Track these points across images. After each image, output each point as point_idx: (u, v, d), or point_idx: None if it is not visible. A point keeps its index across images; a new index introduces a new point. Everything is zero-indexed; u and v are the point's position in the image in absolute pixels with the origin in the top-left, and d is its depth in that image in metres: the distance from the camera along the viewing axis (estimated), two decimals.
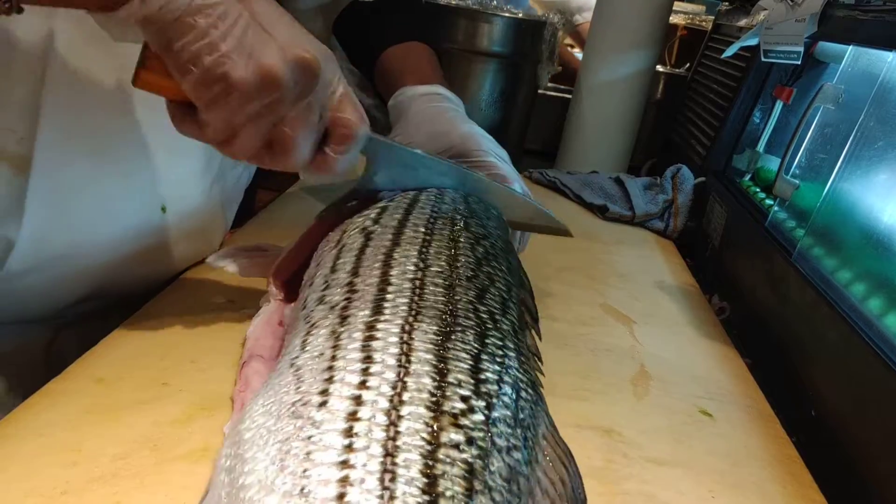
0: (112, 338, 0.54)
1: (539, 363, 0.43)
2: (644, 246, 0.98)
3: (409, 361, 0.35)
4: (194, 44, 0.42)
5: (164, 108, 0.61)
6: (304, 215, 0.83)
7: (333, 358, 0.36)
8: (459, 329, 0.39)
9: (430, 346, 0.37)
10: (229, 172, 0.69)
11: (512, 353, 0.40)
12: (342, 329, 0.39)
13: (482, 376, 0.36)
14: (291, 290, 0.55)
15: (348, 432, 0.31)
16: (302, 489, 0.29)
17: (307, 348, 0.39)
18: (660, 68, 1.43)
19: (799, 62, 0.85)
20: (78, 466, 0.39)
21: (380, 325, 0.38)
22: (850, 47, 0.78)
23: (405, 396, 0.33)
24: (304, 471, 0.29)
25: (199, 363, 0.51)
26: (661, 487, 0.46)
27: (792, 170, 0.81)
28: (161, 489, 0.39)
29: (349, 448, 0.30)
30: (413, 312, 0.39)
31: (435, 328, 0.38)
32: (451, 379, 0.35)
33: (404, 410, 0.32)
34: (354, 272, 0.45)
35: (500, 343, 0.40)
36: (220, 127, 0.45)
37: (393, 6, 0.83)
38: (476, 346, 0.38)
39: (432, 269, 0.44)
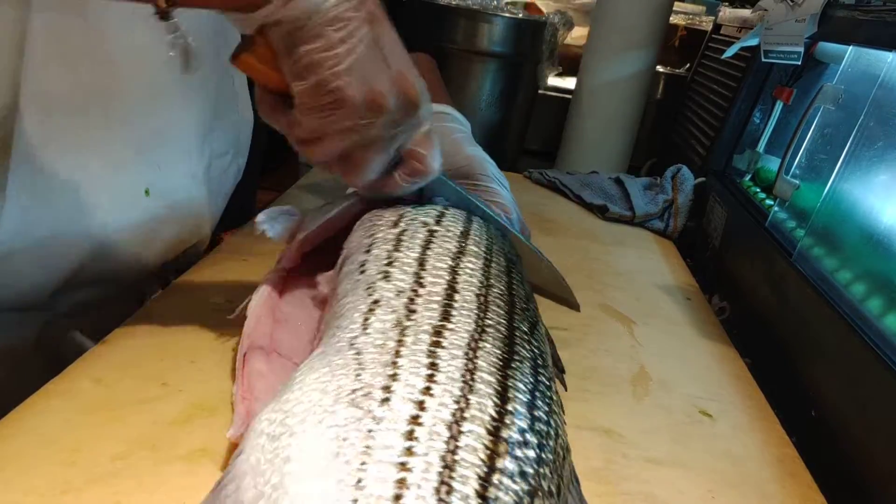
0: (111, 338, 0.54)
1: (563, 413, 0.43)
2: (644, 246, 0.98)
3: (473, 379, 0.35)
4: (319, 53, 0.44)
5: (149, 92, 0.60)
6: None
7: (398, 354, 0.36)
8: (518, 359, 0.39)
9: (494, 369, 0.37)
10: (216, 162, 0.69)
11: (555, 397, 0.40)
12: (408, 323, 0.39)
13: (536, 413, 0.36)
14: (305, 264, 0.55)
15: (409, 435, 0.31)
16: (358, 481, 0.29)
17: (369, 331, 0.39)
18: (660, 68, 1.43)
19: (799, 62, 0.85)
20: (77, 466, 0.39)
21: (446, 334, 0.39)
22: (850, 48, 0.78)
23: (467, 413, 0.33)
24: (362, 463, 0.29)
25: (199, 363, 0.51)
26: (660, 487, 0.46)
27: (792, 170, 0.81)
28: (160, 489, 0.39)
29: (409, 451, 0.30)
30: (479, 330, 0.40)
31: (498, 352, 0.39)
32: (510, 408, 0.35)
33: (465, 427, 0.32)
34: (421, 263, 0.45)
35: (548, 384, 0.40)
36: (310, 130, 0.46)
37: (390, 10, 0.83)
38: (531, 381, 0.38)
39: (494, 290, 0.45)
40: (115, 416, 0.44)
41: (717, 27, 1.33)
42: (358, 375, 0.35)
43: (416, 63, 0.80)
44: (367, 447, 0.30)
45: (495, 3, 1.29)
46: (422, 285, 0.43)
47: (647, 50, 1.24)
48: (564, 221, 1.01)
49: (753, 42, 0.97)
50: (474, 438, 0.32)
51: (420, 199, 0.56)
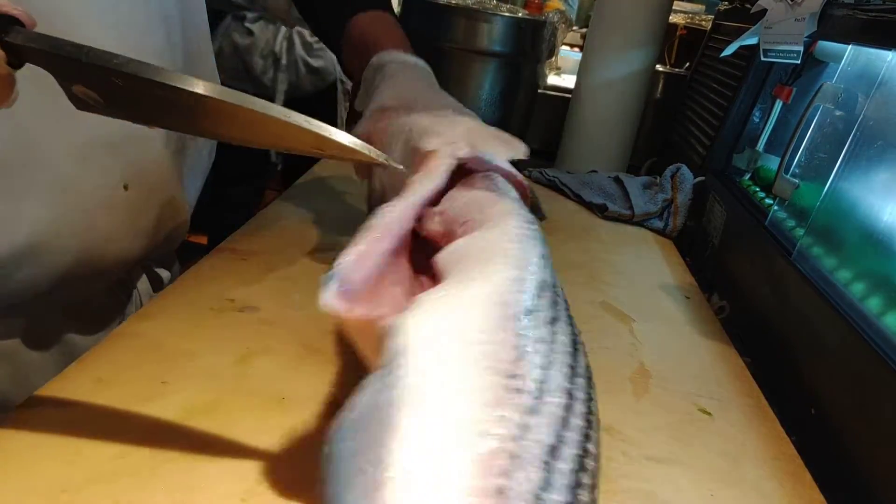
0: (111, 337, 0.54)
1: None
2: (643, 245, 0.98)
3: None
4: None
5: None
6: (303, 215, 0.83)
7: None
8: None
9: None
10: (191, 145, 0.68)
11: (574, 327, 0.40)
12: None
13: (581, 360, 0.36)
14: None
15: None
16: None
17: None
18: (659, 68, 1.43)
19: (798, 61, 0.85)
20: (77, 465, 0.40)
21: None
22: (850, 46, 0.78)
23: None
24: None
25: (199, 362, 0.51)
26: (660, 485, 0.47)
27: (792, 169, 0.81)
28: (160, 488, 0.39)
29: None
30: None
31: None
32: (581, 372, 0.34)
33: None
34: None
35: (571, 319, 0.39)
36: None
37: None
38: (574, 331, 0.38)
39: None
40: (115, 416, 0.44)
41: (716, 27, 1.33)
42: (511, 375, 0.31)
43: (380, 19, 0.78)
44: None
45: (495, 1, 1.29)
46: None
47: (647, 49, 1.24)
48: (564, 220, 1.01)
49: (752, 41, 0.97)
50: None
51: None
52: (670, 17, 1.35)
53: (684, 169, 1.07)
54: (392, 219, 0.43)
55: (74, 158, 0.56)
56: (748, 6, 1.07)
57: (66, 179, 0.56)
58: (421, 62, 0.73)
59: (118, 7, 0.56)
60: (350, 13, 0.77)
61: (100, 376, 0.48)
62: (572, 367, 0.33)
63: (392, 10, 0.81)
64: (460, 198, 0.47)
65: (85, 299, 0.63)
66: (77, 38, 0.48)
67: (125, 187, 0.60)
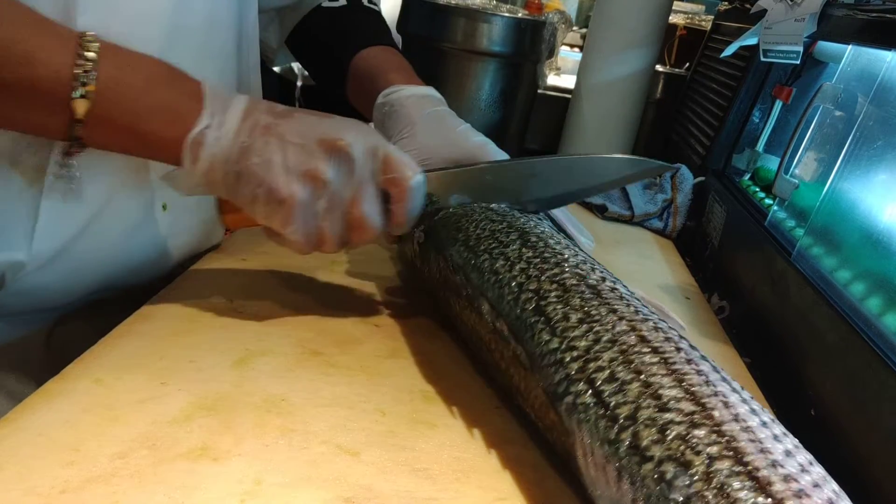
0: (111, 338, 0.54)
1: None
2: (643, 245, 0.98)
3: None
4: (246, 187, 0.50)
5: None
6: None
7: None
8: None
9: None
10: None
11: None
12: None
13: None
14: None
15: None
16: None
17: None
18: (659, 68, 1.43)
19: (798, 62, 0.85)
20: (76, 466, 0.39)
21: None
22: (850, 47, 0.78)
23: None
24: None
25: (198, 363, 0.51)
26: None
27: (791, 169, 0.81)
28: (159, 488, 0.39)
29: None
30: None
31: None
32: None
33: None
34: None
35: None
36: (303, 240, 0.52)
37: (363, 9, 0.84)
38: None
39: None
40: (114, 416, 0.44)
41: (716, 27, 1.33)
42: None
43: (386, 52, 0.81)
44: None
45: (495, 2, 1.29)
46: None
47: (647, 49, 1.24)
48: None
49: (752, 41, 0.97)
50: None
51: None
52: (670, 18, 1.35)
53: (684, 169, 1.07)
54: None
55: (120, 174, 0.58)
56: (748, 6, 1.07)
57: (111, 190, 0.57)
58: (425, 90, 0.74)
59: (178, 43, 0.58)
60: (354, 49, 0.80)
61: (100, 376, 0.48)
62: None
63: (394, 43, 0.83)
64: None
65: (106, 301, 0.64)
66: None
67: (164, 207, 0.62)
